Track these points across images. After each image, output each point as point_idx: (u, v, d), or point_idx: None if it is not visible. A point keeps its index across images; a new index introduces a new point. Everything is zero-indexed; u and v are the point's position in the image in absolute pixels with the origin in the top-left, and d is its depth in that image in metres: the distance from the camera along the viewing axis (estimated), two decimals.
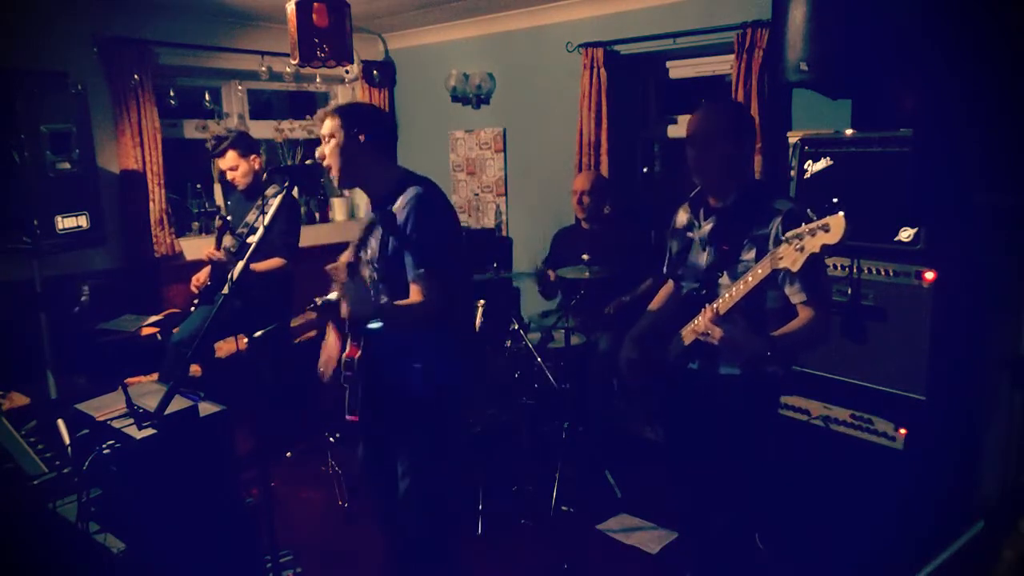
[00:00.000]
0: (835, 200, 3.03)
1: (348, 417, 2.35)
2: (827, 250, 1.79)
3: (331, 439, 3.83)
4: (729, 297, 2.04)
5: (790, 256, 1.84)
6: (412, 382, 2.32)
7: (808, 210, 2.05)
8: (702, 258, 2.26)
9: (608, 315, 4.03)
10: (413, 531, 2.43)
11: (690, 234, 2.35)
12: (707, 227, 2.27)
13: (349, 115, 2.35)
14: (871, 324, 3.02)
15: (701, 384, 2.30)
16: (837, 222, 1.77)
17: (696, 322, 2.15)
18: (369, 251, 2.34)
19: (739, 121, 2.23)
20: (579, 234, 4.33)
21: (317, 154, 2.41)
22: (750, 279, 1.99)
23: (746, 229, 2.14)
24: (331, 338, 2.45)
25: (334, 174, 2.38)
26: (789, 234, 1.86)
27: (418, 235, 2.23)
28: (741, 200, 2.20)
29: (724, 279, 2.17)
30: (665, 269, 2.54)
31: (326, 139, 2.36)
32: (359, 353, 2.30)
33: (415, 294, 2.24)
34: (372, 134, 2.34)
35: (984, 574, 1.57)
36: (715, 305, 2.04)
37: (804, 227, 1.83)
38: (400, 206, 2.27)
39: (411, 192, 2.29)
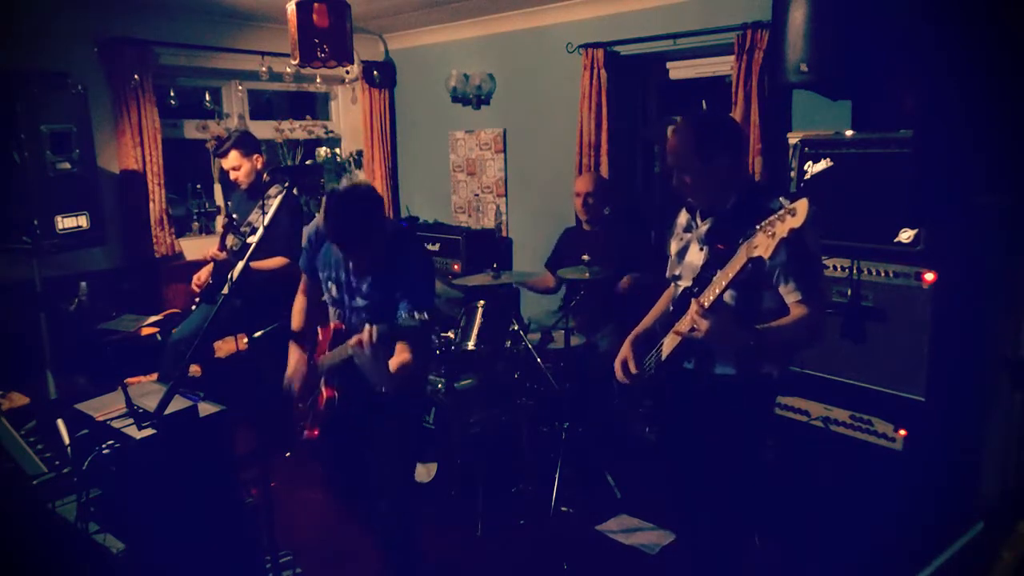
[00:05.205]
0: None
1: (307, 434, 2.60)
2: (795, 235, 1.82)
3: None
4: (712, 290, 2.05)
5: (763, 243, 1.87)
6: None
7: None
8: (699, 257, 2.27)
9: (619, 294, 4.00)
10: (394, 523, 2.61)
11: (688, 234, 2.35)
12: (704, 227, 2.27)
13: (359, 238, 2.38)
14: (871, 325, 3.02)
15: (696, 384, 2.30)
16: (802, 206, 1.81)
17: (684, 319, 2.16)
18: (361, 300, 2.51)
19: (711, 138, 2.19)
20: (581, 235, 4.33)
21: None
22: (728, 271, 2.00)
23: (742, 228, 2.14)
24: (295, 355, 2.72)
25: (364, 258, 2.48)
26: (763, 223, 1.89)
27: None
28: (739, 202, 2.21)
29: (719, 275, 2.18)
30: (667, 273, 2.54)
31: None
32: (336, 394, 2.53)
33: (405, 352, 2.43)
34: (376, 223, 2.41)
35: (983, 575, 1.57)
36: (700, 299, 2.05)
37: (775, 214, 1.86)
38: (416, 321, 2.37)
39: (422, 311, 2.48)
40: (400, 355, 2.40)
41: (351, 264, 2.51)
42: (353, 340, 2.24)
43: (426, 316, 2.18)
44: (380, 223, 2.41)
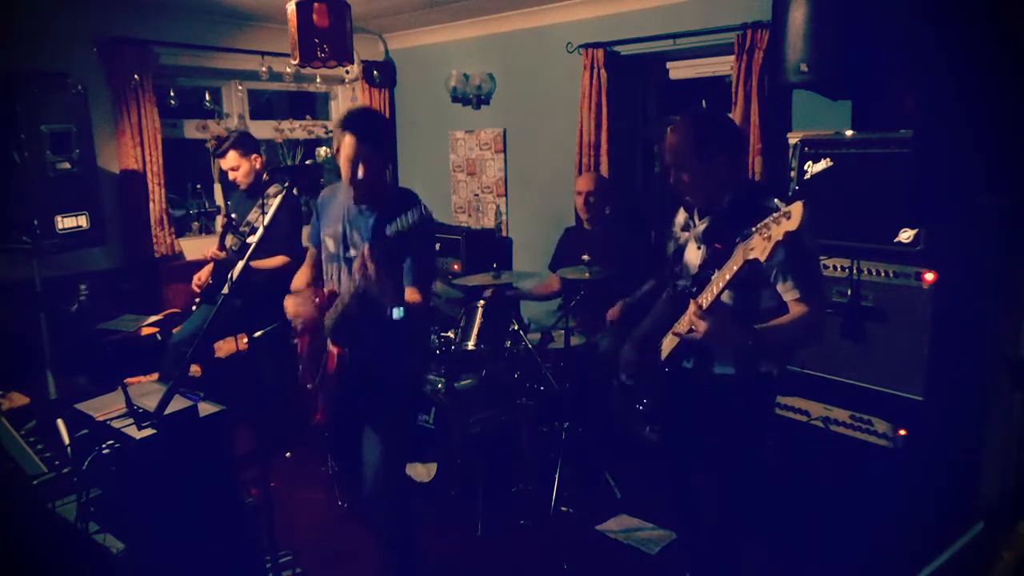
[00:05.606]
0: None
1: (316, 418, 2.60)
2: (791, 237, 1.83)
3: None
4: (710, 291, 2.06)
5: (760, 245, 1.88)
6: (397, 362, 2.54)
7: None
8: (696, 256, 2.27)
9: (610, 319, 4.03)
10: (394, 523, 2.63)
11: (686, 233, 2.36)
12: (702, 226, 2.28)
13: (374, 134, 2.43)
14: (871, 325, 3.02)
15: (696, 383, 2.31)
16: (797, 209, 1.82)
17: (683, 319, 2.17)
18: (354, 251, 2.49)
19: (710, 137, 2.19)
20: (582, 235, 4.33)
21: (342, 163, 2.46)
22: (726, 272, 2.01)
23: (739, 227, 2.15)
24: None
25: (367, 190, 2.46)
26: (759, 225, 1.90)
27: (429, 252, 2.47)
28: (736, 201, 2.22)
29: (716, 276, 2.18)
30: (666, 272, 2.55)
31: (350, 159, 2.42)
32: (345, 351, 2.50)
33: (415, 295, 2.45)
34: (389, 143, 2.44)
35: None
36: (699, 300, 2.06)
37: (771, 217, 1.87)
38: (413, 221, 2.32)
39: (418, 209, 2.40)
40: (411, 296, 2.42)
41: (353, 197, 2.50)
42: (356, 264, 2.23)
43: (418, 215, 2.17)
44: (389, 132, 2.51)
